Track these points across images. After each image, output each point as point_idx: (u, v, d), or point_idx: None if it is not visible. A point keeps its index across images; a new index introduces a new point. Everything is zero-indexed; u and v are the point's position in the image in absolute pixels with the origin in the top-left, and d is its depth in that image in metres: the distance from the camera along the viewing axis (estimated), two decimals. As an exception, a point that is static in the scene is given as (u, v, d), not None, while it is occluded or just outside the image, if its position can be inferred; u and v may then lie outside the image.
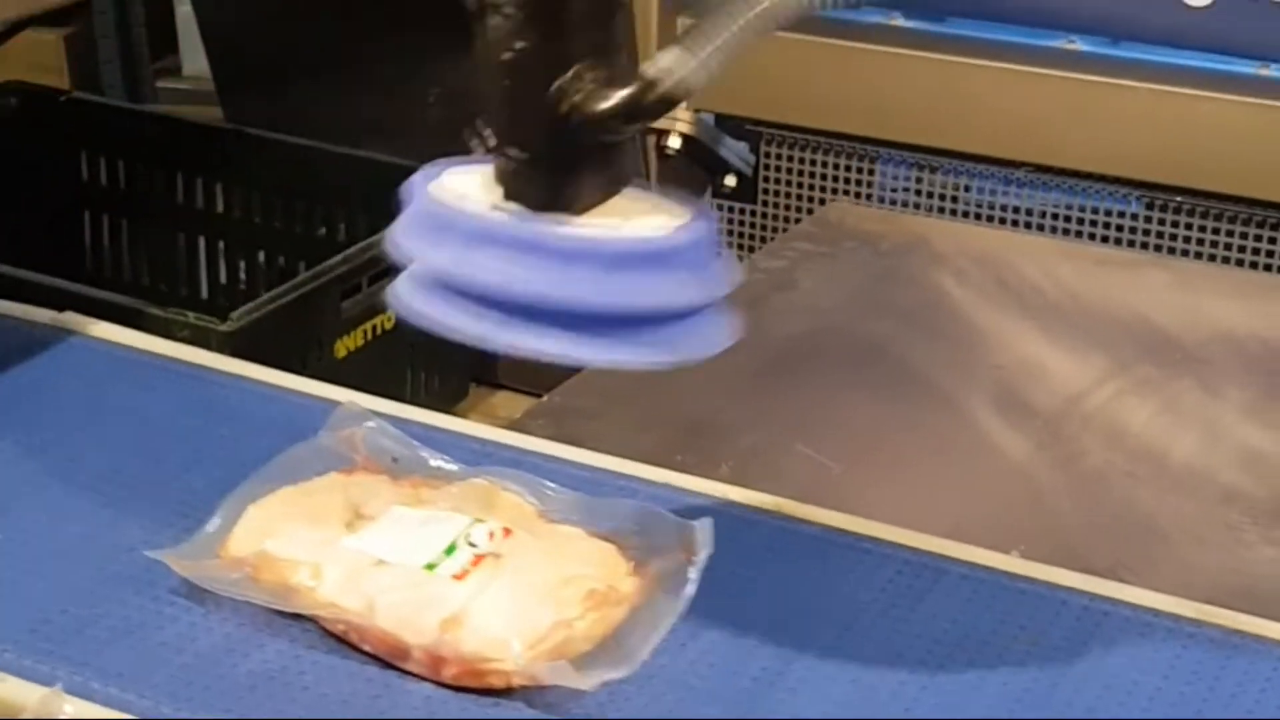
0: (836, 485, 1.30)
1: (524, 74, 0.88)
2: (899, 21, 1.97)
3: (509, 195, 0.91)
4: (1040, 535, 1.22)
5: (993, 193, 1.95)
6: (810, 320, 1.56)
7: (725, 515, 1.02)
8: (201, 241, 1.92)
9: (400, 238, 0.92)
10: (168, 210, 1.91)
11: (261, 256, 1.88)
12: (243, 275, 1.91)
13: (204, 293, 1.92)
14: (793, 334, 1.54)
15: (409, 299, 0.92)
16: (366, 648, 0.92)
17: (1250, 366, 1.47)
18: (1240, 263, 1.85)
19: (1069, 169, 1.91)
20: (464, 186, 0.93)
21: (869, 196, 2.02)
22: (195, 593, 0.96)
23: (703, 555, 0.95)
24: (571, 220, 0.89)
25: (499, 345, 0.89)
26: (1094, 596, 1.01)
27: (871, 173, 2.03)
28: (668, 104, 0.87)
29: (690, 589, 0.93)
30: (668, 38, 1.99)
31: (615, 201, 0.91)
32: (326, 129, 1.93)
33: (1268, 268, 1.84)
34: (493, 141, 0.91)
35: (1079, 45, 1.89)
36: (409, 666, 0.91)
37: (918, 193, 1.99)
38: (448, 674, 0.90)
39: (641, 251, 0.88)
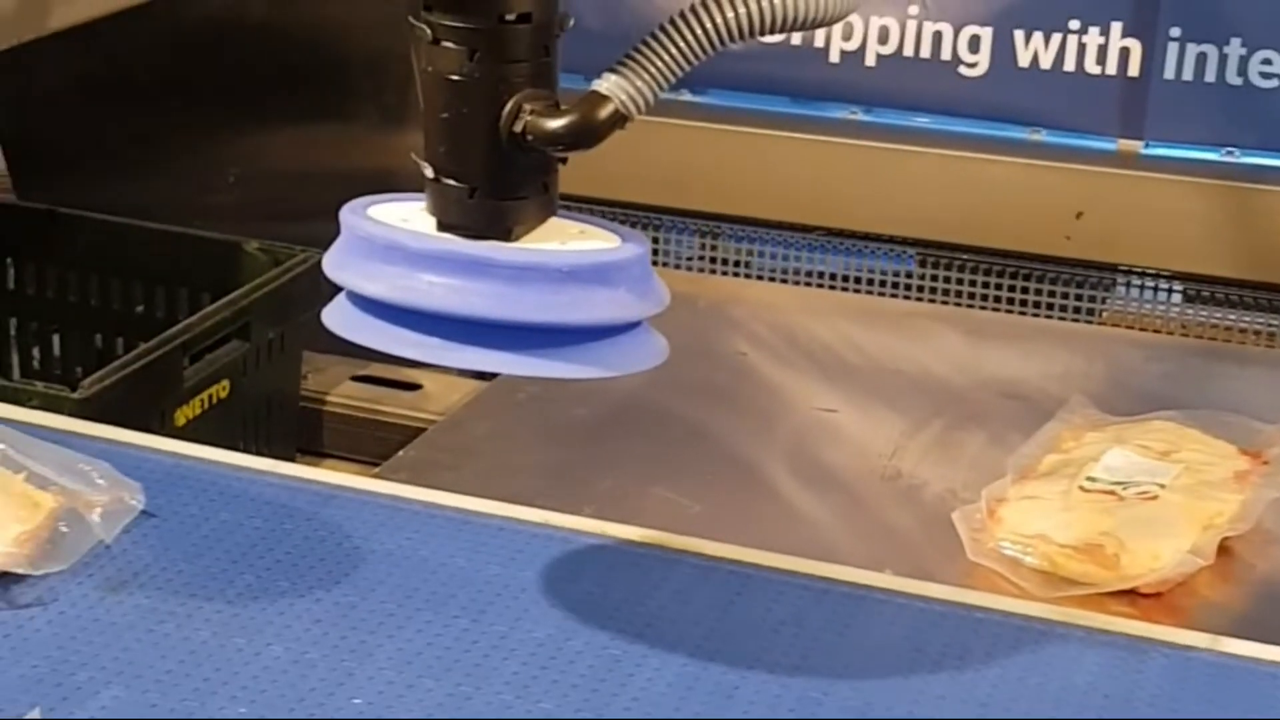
0: (697, 523, 1.38)
1: (470, 102, 0.90)
2: (687, 97, 2.09)
3: (445, 225, 0.93)
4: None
5: (784, 257, 2.07)
6: (645, 374, 1.64)
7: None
8: (13, 323, 1.91)
9: (338, 263, 0.94)
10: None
11: (78, 336, 1.89)
12: (57, 355, 1.91)
13: (15, 374, 1.92)
14: (629, 387, 1.62)
15: (346, 323, 0.93)
16: None
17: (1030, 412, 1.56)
18: (1010, 310, 1.99)
19: (852, 231, 2.05)
20: (398, 216, 0.95)
21: (663, 264, 2.12)
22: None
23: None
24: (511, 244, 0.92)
25: (446, 363, 0.92)
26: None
27: (660, 240, 2.13)
28: (619, 121, 0.89)
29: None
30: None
31: (546, 228, 0.95)
32: (125, 212, 1.94)
33: (1035, 314, 1.99)
34: (430, 173, 0.93)
35: (860, 115, 2.02)
36: None
37: (712, 260, 2.10)
38: None
39: (588, 269, 0.92)
